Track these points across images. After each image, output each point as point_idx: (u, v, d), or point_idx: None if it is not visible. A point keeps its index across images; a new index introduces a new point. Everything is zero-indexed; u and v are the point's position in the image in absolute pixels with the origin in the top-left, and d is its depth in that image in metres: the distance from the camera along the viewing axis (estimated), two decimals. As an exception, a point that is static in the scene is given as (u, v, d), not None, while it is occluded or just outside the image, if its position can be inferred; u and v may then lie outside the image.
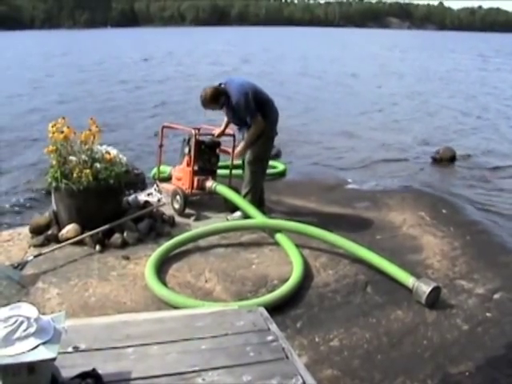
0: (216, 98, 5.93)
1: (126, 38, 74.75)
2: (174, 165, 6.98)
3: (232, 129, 6.50)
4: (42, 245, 5.19)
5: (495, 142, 12.20)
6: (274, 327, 2.48)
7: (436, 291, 4.43)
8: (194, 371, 2.10)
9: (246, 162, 6.15)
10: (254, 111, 5.85)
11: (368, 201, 7.27)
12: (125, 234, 5.33)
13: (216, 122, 6.90)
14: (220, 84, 6.04)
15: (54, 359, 1.80)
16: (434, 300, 4.42)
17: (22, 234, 5.53)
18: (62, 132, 5.18)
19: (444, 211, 6.92)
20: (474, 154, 10.75)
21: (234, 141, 6.51)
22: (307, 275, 4.79)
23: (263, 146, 6.06)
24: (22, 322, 1.85)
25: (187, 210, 6.21)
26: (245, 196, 6.08)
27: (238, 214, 6.11)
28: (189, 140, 6.45)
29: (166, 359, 2.19)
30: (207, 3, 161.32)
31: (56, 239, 5.23)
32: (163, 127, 6.96)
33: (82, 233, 5.21)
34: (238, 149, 6.16)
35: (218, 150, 6.60)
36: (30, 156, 9.87)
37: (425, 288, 4.40)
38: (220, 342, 2.34)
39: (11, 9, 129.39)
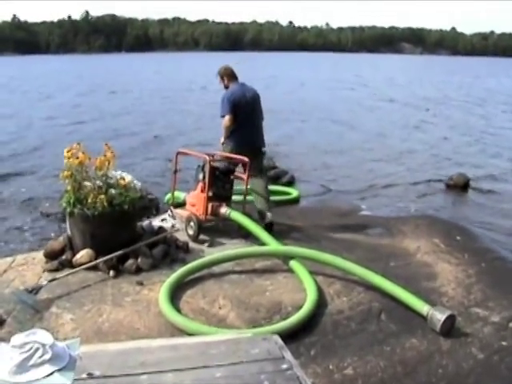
0: (228, 74, 6.84)
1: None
2: (188, 191, 7.01)
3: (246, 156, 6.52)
4: (57, 270, 5.20)
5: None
6: (288, 355, 2.46)
7: (451, 319, 4.39)
8: (208, 399, 2.09)
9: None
10: (224, 110, 6.63)
11: (381, 227, 7.25)
12: (139, 260, 5.33)
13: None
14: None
15: (68, 386, 1.80)
16: (449, 328, 4.38)
17: (37, 258, 5.55)
18: (78, 157, 5.24)
19: (458, 238, 6.88)
20: (487, 180, 10.72)
21: (249, 168, 6.51)
22: (321, 302, 4.77)
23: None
24: (37, 349, 1.85)
25: (201, 236, 6.21)
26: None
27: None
28: (203, 166, 6.50)
29: (180, 387, 2.18)
30: (221, 28, 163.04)
31: (70, 264, 5.25)
32: (178, 153, 7.00)
33: (96, 258, 5.23)
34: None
35: (232, 176, 6.64)
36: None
37: (439, 316, 4.36)
38: (235, 370, 2.32)
39: (29, 34, 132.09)
